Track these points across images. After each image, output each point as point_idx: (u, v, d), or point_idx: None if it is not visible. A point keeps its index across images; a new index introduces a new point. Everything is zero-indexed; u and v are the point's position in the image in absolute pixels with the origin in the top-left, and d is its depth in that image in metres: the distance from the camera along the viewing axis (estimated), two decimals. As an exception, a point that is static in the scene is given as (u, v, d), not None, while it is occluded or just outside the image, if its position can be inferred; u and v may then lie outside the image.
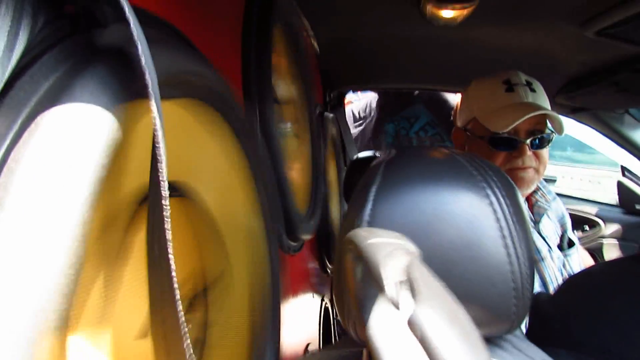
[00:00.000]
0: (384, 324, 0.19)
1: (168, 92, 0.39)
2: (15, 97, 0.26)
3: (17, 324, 0.21)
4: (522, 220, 0.36)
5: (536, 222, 1.27)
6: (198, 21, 0.60)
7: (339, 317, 0.43)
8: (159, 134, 0.27)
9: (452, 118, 2.10)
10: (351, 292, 0.30)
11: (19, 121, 0.25)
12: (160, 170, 0.26)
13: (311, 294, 1.24)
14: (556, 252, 1.28)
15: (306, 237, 0.93)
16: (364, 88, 2.09)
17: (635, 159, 1.96)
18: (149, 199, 0.33)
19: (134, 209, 0.42)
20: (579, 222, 2.33)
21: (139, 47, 0.27)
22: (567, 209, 2.25)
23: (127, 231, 0.41)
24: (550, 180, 2.75)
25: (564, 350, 0.49)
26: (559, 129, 1.16)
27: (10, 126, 0.25)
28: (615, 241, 2.23)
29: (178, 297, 0.27)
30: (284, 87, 0.98)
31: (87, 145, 0.27)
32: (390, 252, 0.22)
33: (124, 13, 0.27)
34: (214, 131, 0.53)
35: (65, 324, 0.25)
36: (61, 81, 0.28)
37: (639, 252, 0.51)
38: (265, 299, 0.69)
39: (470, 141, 1.27)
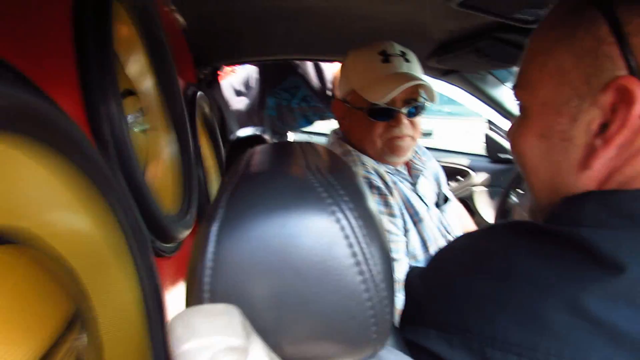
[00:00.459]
0: None
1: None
2: None
3: None
4: (375, 236, 0.34)
5: (414, 184, 1.34)
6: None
7: None
8: None
9: (331, 90, 2.11)
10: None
11: None
12: None
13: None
14: (434, 210, 1.38)
15: (182, 235, 0.87)
16: (240, 62, 1.98)
17: (497, 114, 2.16)
18: None
19: None
20: (452, 173, 2.54)
21: None
22: (442, 162, 2.45)
23: None
24: (427, 134, 2.94)
25: (434, 330, 0.50)
26: (432, 97, 1.21)
27: None
28: (484, 188, 2.48)
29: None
30: (138, 74, 0.87)
31: None
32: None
33: None
34: (38, 161, 0.43)
35: None
36: None
37: (495, 223, 0.54)
38: (142, 311, 0.63)
39: (350, 112, 1.27)
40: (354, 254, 0.33)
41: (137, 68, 0.88)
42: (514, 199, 1.92)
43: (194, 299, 0.33)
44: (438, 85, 1.97)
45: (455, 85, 1.94)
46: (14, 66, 0.41)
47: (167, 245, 0.82)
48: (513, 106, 2.05)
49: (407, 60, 1.22)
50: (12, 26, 0.50)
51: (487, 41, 1.33)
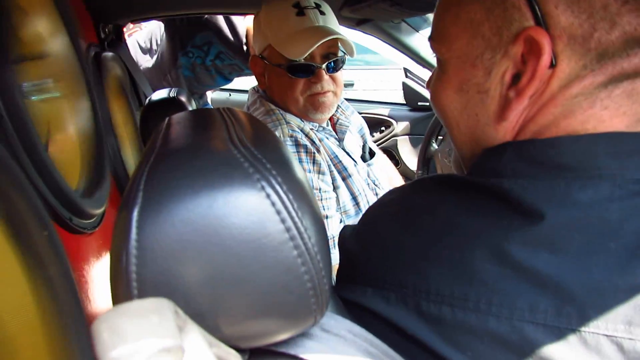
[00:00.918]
0: None
1: None
2: None
3: None
4: (307, 207, 0.33)
5: (340, 140, 1.35)
6: None
7: None
8: None
9: (245, 44, 1.99)
10: None
11: None
12: None
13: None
14: (360, 164, 1.40)
15: (98, 210, 0.81)
16: (144, 18, 1.80)
17: (413, 62, 2.20)
18: None
19: None
20: (375, 124, 2.59)
21: None
22: (364, 114, 2.48)
23: None
24: (349, 85, 2.95)
25: (370, 288, 0.51)
26: (350, 51, 1.19)
27: None
28: (406, 137, 2.57)
29: None
30: (38, 37, 0.76)
31: None
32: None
33: None
34: None
35: None
36: None
37: (420, 178, 0.55)
38: (46, 306, 0.57)
39: (269, 69, 1.23)
40: (288, 229, 0.31)
41: (36, 30, 0.77)
42: (434, 145, 2.01)
43: (122, 292, 0.30)
44: (355, 36, 1.96)
45: (370, 35, 1.94)
46: None
47: (85, 221, 0.76)
48: (428, 54, 2.10)
49: (322, 13, 1.18)
50: None
51: (399, -11, 1.32)
